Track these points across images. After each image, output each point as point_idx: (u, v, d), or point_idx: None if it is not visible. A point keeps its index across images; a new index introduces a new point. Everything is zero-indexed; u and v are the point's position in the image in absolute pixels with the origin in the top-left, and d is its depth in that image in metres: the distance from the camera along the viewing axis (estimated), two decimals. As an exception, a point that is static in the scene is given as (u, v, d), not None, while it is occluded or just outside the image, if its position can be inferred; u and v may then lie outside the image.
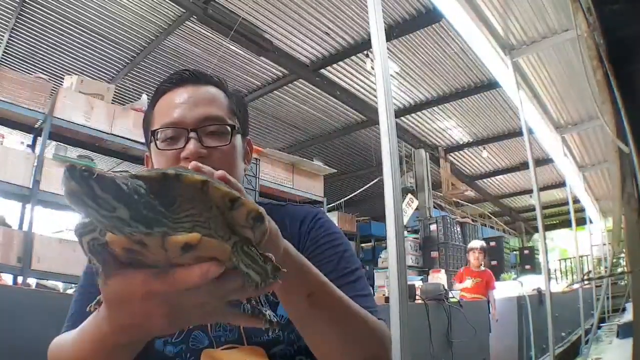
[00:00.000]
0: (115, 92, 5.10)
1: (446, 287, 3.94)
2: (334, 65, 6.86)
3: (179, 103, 0.82)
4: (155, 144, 0.82)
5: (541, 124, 5.01)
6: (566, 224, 10.77)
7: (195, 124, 0.80)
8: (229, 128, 0.83)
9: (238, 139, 0.86)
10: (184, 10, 5.60)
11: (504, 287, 6.04)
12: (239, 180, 0.86)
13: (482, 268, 5.19)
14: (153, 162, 0.86)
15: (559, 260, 12.84)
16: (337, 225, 0.95)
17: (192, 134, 0.79)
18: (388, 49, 2.63)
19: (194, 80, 0.86)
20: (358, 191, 9.44)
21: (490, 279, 5.24)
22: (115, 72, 6.88)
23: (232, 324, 0.78)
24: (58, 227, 6.05)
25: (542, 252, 3.82)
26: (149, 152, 0.88)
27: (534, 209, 10.84)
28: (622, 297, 6.66)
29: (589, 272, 8.61)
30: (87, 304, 0.69)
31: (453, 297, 3.79)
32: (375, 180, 8.65)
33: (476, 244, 5.48)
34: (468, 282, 5.13)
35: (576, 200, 7.08)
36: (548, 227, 13.93)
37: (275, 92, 7.50)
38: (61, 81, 4.99)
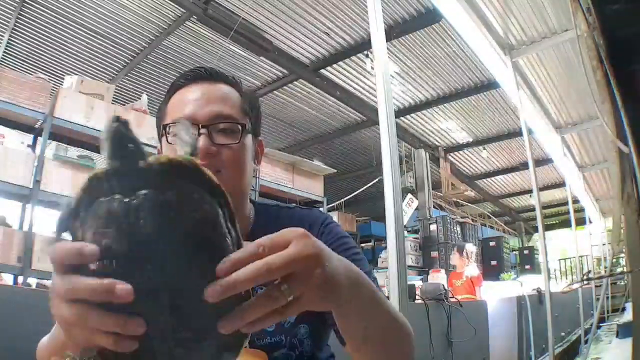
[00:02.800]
0: (115, 92, 5.10)
1: (446, 287, 3.94)
2: (334, 65, 6.86)
3: (191, 99, 0.83)
4: (166, 138, 0.83)
5: (541, 124, 5.01)
6: (566, 224, 10.77)
7: (206, 121, 0.81)
8: (239, 127, 0.83)
9: (249, 138, 0.86)
10: (184, 11, 5.60)
11: (504, 287, 6.04)
12: (247, 179, 0.86)
13: (469, 268, 5.18)
14: None
15: (559, 260, 12.85)
16: (340, 225, 0.96)
17: (202, 131, 0.80)
18: (388, 49, 2.63)
19: (209, 77, 0.86)
20: (358, 191, 9.44)
21: (476, 278, 5.25)
22: (115, 72, 6.88)
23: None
24: (58, 227, 6.04)
25: (542, 252, 3.82)
26: (160, 146, 0.89)
27: (533, 209, 10.84)
28: (621, 297, 6.67)
29: (589, 272, 8.61)
30: None
31: (453, 297, 3.79)
32: (375, 181, 8.65)
33: (454, 245, 5.49)
34: (453, 285, 5.12)
35: (576, 200, 7.08)
36: (548, 227, 13.93)
37: (275, 92, 7.50)
38: (61, 81, 4.99)
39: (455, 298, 3.88)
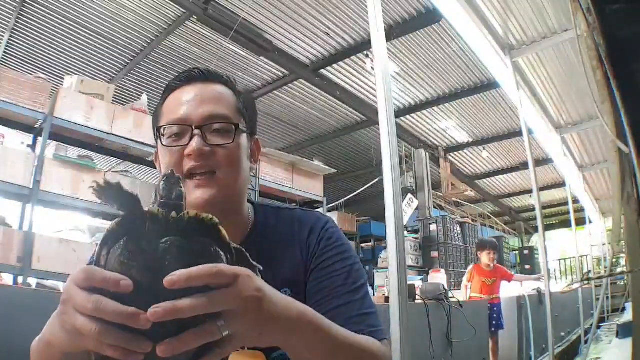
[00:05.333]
0: (115, 92, 5.09)
1: (446, 287, 3.94)
2: (334, 65, 6.86)
3: (185, 101, 0.83)
4: (161, 140, 0.83)
5: (541, 124, 5.01)
6: (566, 224, 10.77)
7: (200, 122, 0.81)
8: (233, 127, 0.82)
9: (243, 137, 0.86)
10: (184, 11, 5.60)
11: (504, 287, 6.04)
12: (244, 178, 0.86)
13: (492, 266, 5.12)
14: (160, 158, 0.87)
15: (557, 260, 12.84)
16: (340, 230, 0.95)
17: (196, 131, 0.80)
18: (388, 49, 2.63)
19: (203, 78, 0.86)
20: (358, 191, 9.44)
21: (504, 273, 5.24)
22: (115, 72, 6.89)
23: None
24: (58, 227, 6.05)
25: (541, 252, 3.82)
26: (157, 148, 0.89)
27: (533, 209, 10.84)
28: (621, 297, 6.68)
29: (589, 272, 8.61)
30: None
31: (453, 297, 3.79)
32: (375, 180, 8.65)
33: (489, 243, 5.38)
34: (482, 283, 5.02)
35: (576, 200, 7.08)
36: (548, 227, 13.93)
37: (275, 92, 7.50)
38: (61, 81, 4.99)
39: (454, 296, 3.86)
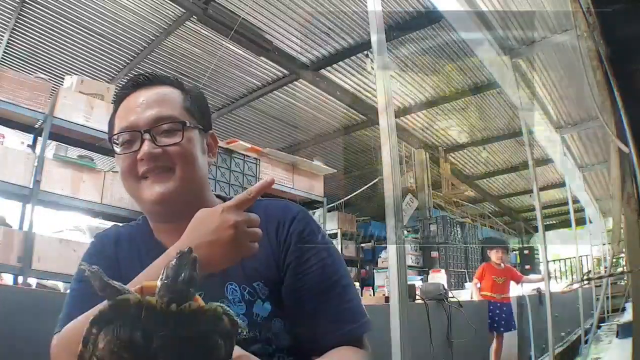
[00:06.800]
0: (115, 92, 5.10)
1: (446, 287, 3.94)
2: (334, 65, 6.85)
3: (133, 107, 0.86)
4: (114, 149, 0.87)
5: (541, 124, 5.01)
6: (566, 224, 10.76)
7: (147, 125, 0.83)
8: (180, 125, 0.85)
9: (195, 134, 0.88)
10: (184, 11, 5.59)
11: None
12: (201, 172, 0.87)
13: (502, 265, 5.11)
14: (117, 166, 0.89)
15: (551, 261, 12.79)
16: (312, 217, 0.91)
17: (145, 136, 0.82)
18: (388, 49, 2.63)
19: (148, 83, 0.89)
20: (358, 191, 9.44)
21: (514, 273, 5.24)
22: (115, 72, 6.88)
23: None
24: (58, 227, 6.05)
25: (542, 252, 3.82)
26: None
27: (533, 209, 10.83)
28: (621, 297, 6.67)
29: (589, 272, 8.61)
30: (82, 306, 0.69)
31: (453, 297, 3.79)
32: (375, 180, 8.65)
33: (497, 241, 5.40)
34: (492, 282, 4.99)
35: (576, 200, 7.08)
36: (548, 227, 13.90)
37: (275, 92, 7.50)
38: (61, 81, 4.99)
39: (454, 296, 3.87)
